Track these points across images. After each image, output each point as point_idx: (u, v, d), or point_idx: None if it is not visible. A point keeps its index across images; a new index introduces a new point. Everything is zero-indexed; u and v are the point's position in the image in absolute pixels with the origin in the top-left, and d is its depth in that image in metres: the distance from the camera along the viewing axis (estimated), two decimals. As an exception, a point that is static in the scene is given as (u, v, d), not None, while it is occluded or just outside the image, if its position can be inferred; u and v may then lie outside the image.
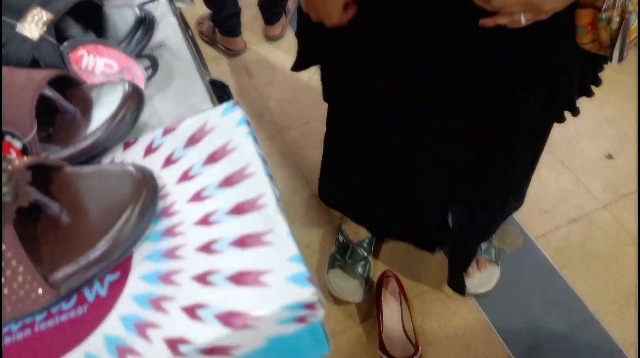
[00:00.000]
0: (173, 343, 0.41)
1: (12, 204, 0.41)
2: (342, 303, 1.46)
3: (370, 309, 1.45)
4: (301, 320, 0.43)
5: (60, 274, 0.43)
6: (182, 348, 0.41)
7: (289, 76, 1.98)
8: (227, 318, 0.41)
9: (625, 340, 1.37)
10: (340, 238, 1.48)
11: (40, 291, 0.42)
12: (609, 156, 1.67)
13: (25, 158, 0.44)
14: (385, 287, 1.44)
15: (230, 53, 2.06)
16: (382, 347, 1.37)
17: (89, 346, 0.42)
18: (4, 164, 0.42)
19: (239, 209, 0.47)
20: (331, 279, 1.45)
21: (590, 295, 1.44)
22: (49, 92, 0.51)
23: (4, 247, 0.41)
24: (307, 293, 0.41)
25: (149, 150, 0.52)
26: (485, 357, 1.38)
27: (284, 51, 2.09)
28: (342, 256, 1.45)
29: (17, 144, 0.46)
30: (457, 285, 1.43)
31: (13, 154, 0.47)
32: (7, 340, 0.44)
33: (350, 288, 1.44)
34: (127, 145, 0.53)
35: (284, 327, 0.43)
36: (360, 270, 1.44)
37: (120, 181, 0.45)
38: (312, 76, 1.93)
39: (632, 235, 1.52)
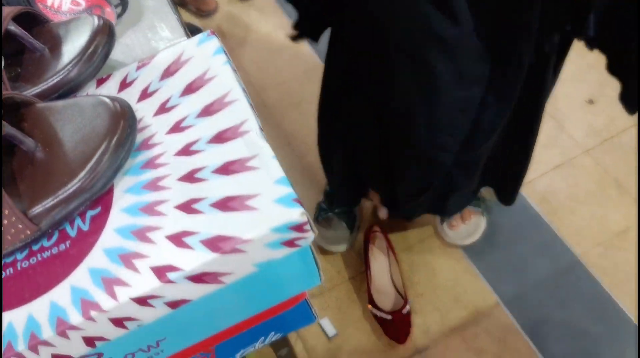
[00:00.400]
0: (161, 271, 0.40)
1: (-18, 137, 0.39)
2: (330, 260, 1.46)
3: (358, 265, 1.45)
4: (290, 243, 0.42)
5: (39, 208, 0.41)
6: (171, 275, 0.39)
7: (263, 36, 1.94)
8: (215, 244, 0.40)
9: (610, 282, 1.39)
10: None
11: (19, 226, 0.40)
12: (590, 102, 1.67)
13: (-7, 92, 0.42)
14: (373, 242, 1.44)
15: (202, 14, 2.02)
16: (371, 300, 1.38)
17: (74, 279, 0.41)
18: (-30, 96, 0.40)
19: (221, 137, 0.45)
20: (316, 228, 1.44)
21: (575, 240, 1.46)
22: (14, 28, 0.49)
23: (-24, 180, 0.39)
24: (295, 213, 0.40)
25: (124, 85, 0.50)
26: (474, 306, 1.39)
27: (257, 9, 2.05)
28: (328, 206, 1.45)
29: (-16, 80, 0.44)
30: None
31: (-20, 89, 0.44)
32: (-13, 280, 0.42)
33: (336, 237, 1.44)
34: (100, 81, 0.51)
35: (273, 251, 0.42)
36: (346, 220, 1.43)
37: (96, 112, 0.44)
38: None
39: (613, 178, 1.53)
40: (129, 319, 0.41)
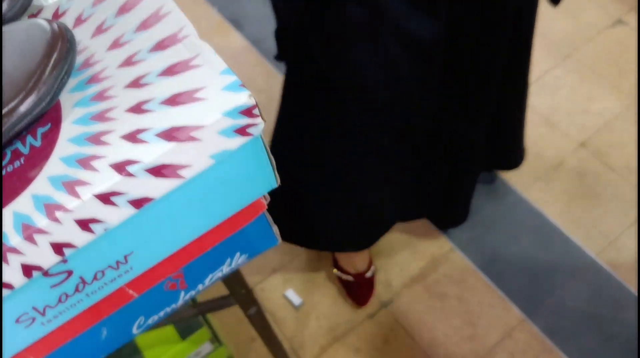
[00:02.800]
0: (120, 167, 0.41)
1: None
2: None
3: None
4: (242, 131, 0.44)
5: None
6: (130, 168, 0.41)
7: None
8: (170, 134, 0.41)
9: (553, 211, 1.47)
10: None
11: (-31, 142, 0.40)
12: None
13: None
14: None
15: None
16: (336, 264, 1.40)
17: (34, 189, 0.41)
18: None
19: (160, 46, 0.46)
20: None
21: (515, 179, 1.52)
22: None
23: None
24: (243, 97, 0.42)
25: (56, 15, 0.51)
26: (431, 254, 1.44)
27: None
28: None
29: None
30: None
31: None
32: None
33: None
34: (30, 17, 0.51)
35: (228, 140, 0.43)
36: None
37: (31, 33, 0.44)
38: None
39: (542, 116, 1.62)
40: (94, 221, 0.41)
